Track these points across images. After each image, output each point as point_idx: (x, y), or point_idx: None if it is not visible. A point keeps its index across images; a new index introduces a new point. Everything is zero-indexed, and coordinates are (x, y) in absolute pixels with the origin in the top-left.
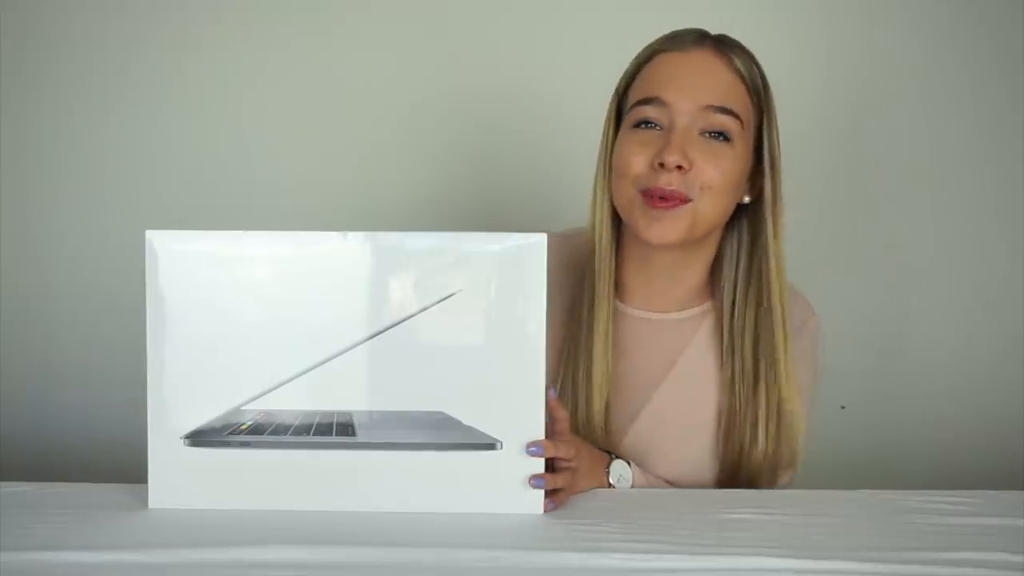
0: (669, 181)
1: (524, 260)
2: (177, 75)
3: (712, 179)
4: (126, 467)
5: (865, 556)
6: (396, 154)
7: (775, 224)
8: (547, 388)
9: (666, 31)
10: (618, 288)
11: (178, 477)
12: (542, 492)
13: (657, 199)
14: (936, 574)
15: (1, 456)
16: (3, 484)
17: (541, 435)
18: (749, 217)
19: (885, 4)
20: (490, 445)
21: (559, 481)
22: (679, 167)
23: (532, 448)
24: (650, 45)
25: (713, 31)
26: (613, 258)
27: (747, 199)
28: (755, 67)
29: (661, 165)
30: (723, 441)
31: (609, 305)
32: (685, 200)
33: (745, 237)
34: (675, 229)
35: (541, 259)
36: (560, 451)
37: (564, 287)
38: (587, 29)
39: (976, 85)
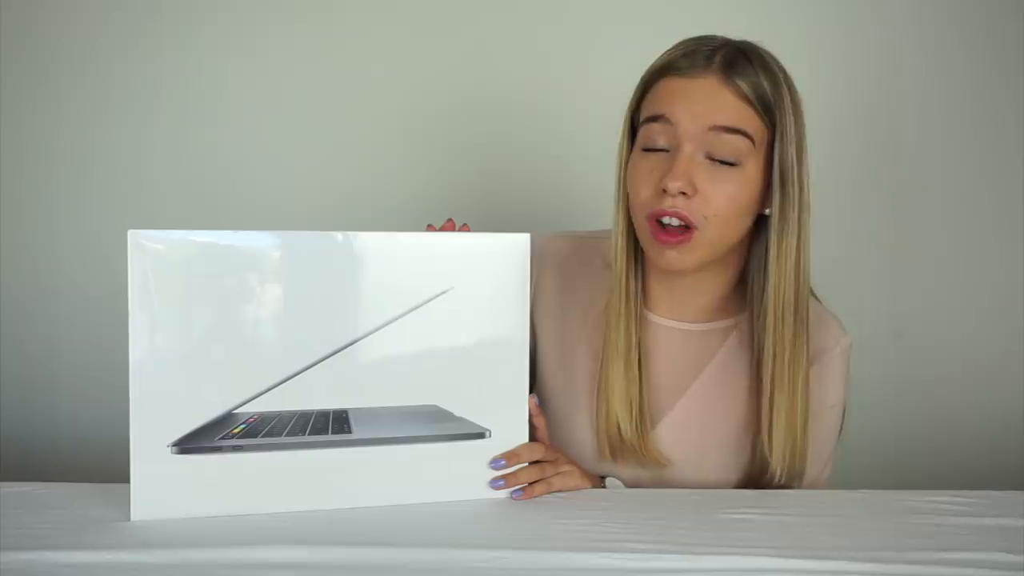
0: (673, 204)
1: (508, 259)
2: (176, 76)
3: (718, 207)
4: (125, 467)
5: (865, 556)
6: (396, 157)
7: (780, 243)
8: (530, 395)
9: (673, 38)
10: (644, 296)
11: (165, 486)
12: (516, 484)
13: (661, 233)
14: (936, 574)
15: (1, 456)
16: (2, 484)
17: (525, 424)
18: (769, 230)
19: (898, 10)
20: (480, 434)
21: (532, 474)
22: (683, 192)
23: (493, 464)
24: (660, 58)
25: (728, 36)
26: (629, 274)
27: (767, 211)
28: (767, 83)
29: (664, 191)
30: (745, 454)
31: (628, 322)
32: (691, 227)
33: (765, 251)
34: (684, 259)
35: (524, 258)
36: (532, 453)
37: (605, 286)
38: (592, 35)
39: (983, 88)
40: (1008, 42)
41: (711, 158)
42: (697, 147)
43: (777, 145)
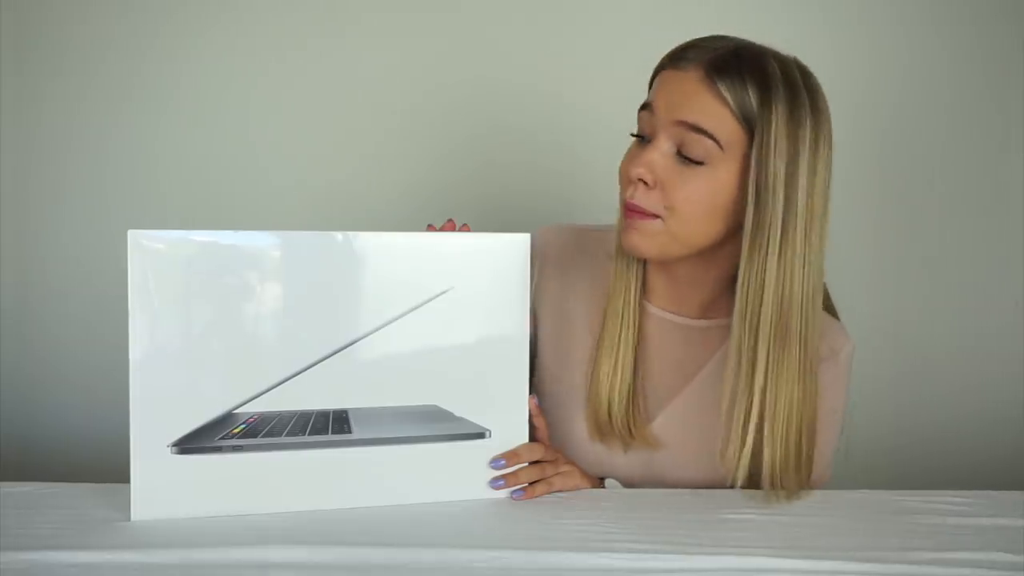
0: (632, 193)
1: (508, 259)
2: (178, 76)
3: (675, 201)
4: (125, 467)
5: (865, 556)
6: (396, 154)
7: (751, 257)
8: (530, 396)
9: (680, 31)
10: (645, 288)
11: (165, 486)
12: (516, 484)
13: (628, 210)
14: (936, 574)
15: (1, 456)
16: (3, 484)
17: (525, 424)
18: (742, 242)
19: (886, 11)
20: (480, 434)
21: (532, 474)
22: (643, 181)
23: (493, 464)
24: (667, 54)
25: (729, 35)
26: (631, 264)
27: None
28: (754, 92)
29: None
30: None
31: (626, 309)
32: (652, 216)
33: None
34: (646, 243)
35: (524, 258)
36: (532, 454)
37: (606, 277)
38: (598, 27)
39: (981, 86)
40: (1003, 43)
41: (681, 154)
42: (669, 139)
43: (755, 154)
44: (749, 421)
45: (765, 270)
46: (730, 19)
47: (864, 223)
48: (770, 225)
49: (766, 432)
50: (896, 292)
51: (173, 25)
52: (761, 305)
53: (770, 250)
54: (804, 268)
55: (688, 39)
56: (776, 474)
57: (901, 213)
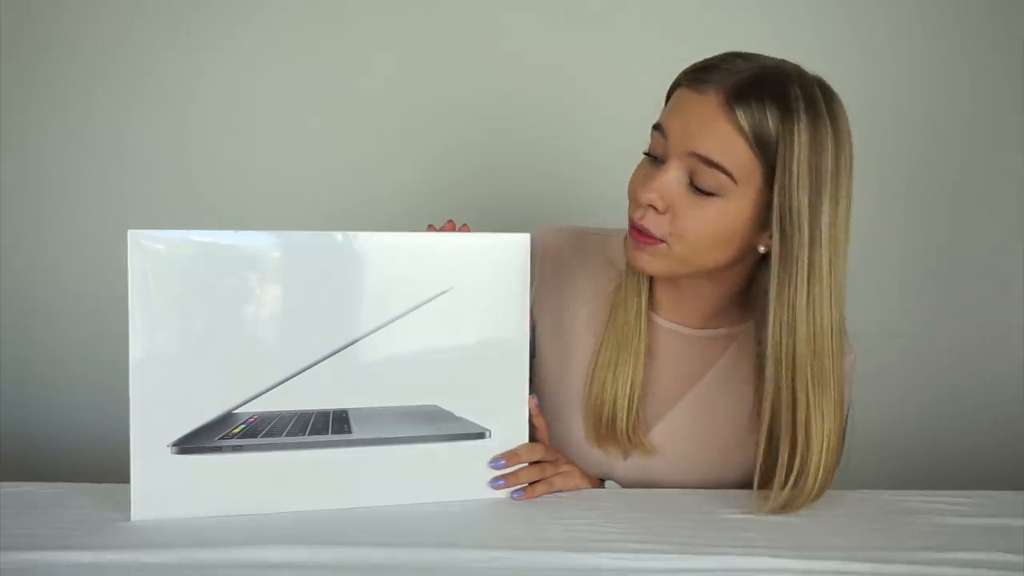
0: (642, 215)
1: (508, 259)
2: (180, 77)
3: (684, 229)
4: (125, 467)
5: (865, 556)
6: (399, 155)
7: (782, 293)
8: (530, 396)
9: (678, 33)
10: (650, 298)
11: (165, 486)
12: (516, 484)
13: (635, 231)
14: (936, 574)
15: (1, 456)
16: (3, 484)
17: (525, 424)
18: (770, 274)
19: (872, 13)
20: (480, 434)
21: (532, 474)
22: (652, 207)
23: (493, 463)
24: (686, 70)
25: (737, 40)
26: (638, 278)
27: (762, 249)
28: (773, 120)
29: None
30: (739, 462)
31: (635, 318)
32: (658, 241)
33: (768, 295)
34: (653, 264)
35: (524, 258)
36: (532, 454)
37: (607, 281)
38: (599, 28)
39: (974, 85)
40: (999, 41)
41: (693, 184)
42: (681, 167)
43: (777, 185)
44: (793, 462)
45: (795, 307)
46: (727, 20)
47: (862, 223)
48: (797, 259)
49: (810, 469)
50: (895, 292)
51: (178, 27)
52: (795, 343)
53: (799, 284)
54: (831, 299)
55: (682, 40)
56: (807, 501)
57: (899, 213)
